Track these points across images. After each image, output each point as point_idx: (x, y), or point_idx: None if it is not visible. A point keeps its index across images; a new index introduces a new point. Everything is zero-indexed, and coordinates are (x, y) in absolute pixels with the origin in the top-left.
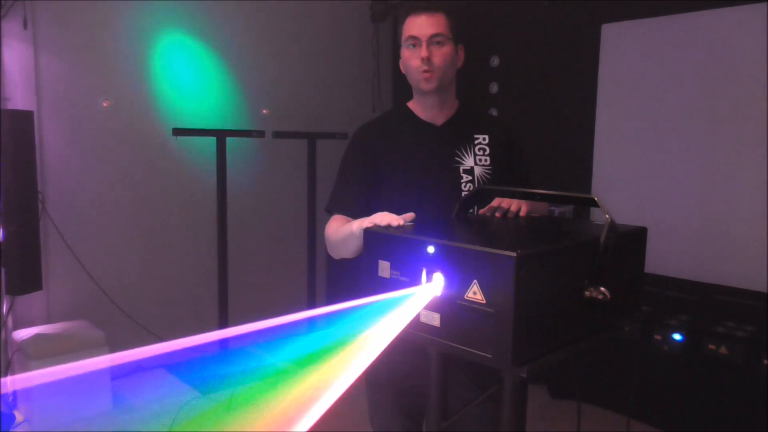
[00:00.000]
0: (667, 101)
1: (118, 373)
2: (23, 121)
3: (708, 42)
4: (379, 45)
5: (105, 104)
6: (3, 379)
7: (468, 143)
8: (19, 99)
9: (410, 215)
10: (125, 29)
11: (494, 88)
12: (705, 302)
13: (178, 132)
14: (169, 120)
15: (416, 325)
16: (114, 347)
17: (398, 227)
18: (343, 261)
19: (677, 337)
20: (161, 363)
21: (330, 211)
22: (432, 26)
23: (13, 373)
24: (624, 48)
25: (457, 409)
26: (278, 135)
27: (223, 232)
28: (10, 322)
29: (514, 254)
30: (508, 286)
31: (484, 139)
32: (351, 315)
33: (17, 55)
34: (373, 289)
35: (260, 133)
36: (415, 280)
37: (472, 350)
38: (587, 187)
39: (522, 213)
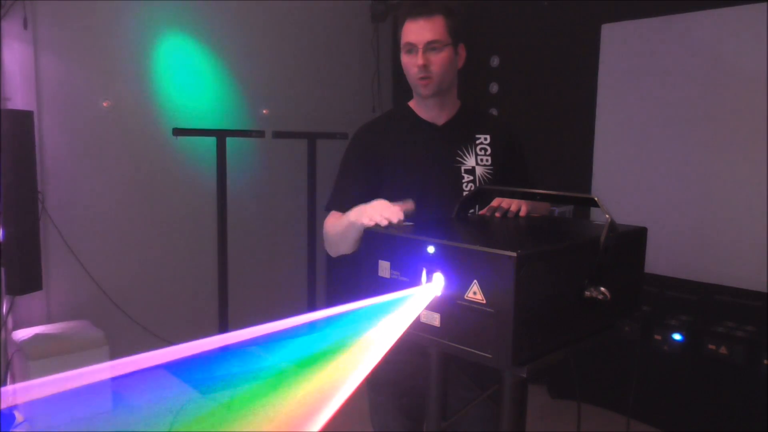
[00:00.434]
0: (667, 101)
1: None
2: (23, 121)
3: (708, 42)
4: (379, 45)
5: (105, 104)
6: (4, 388)
7: (469, 143)
8: (19, 99)
9: (409, 205)
10: (125, 29)
11: (494, 88)
12: (705, 302)
13: (178, 132)
14: (169, 120)
15: (416, 325)
16: (114, 347)
17: (399, 226)
18: (343, 261)
19: (677, 337)
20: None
21: (329, 209)
22: (429, 32)
23: (13, 373)
24: (624, 48)
25: (457, 409)
26: (278, 135)
27: (223, 232)
28: (10, 322)
29: (514, 254)
30: (508, 286)
31: (485, 139)
32: (351, 315)
33: (17, 55)
34: (373, 289)
35: (260, 133)
36: (415, 280)
37: (472, 350)
38: (587, 187)
39: (522, 213)
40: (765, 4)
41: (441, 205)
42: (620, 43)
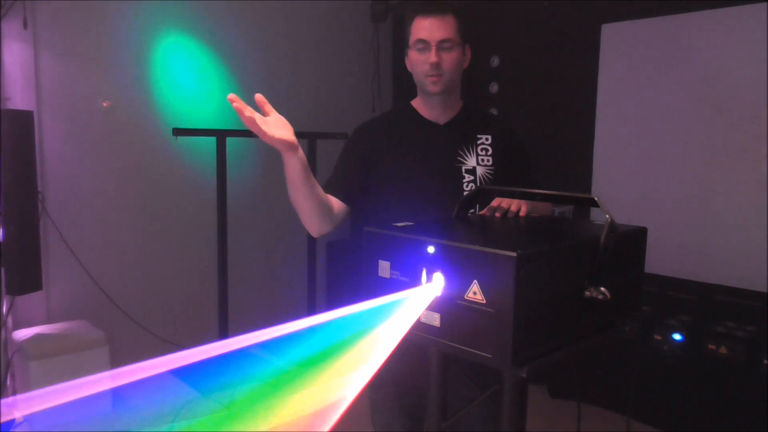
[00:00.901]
0: (667, 101)
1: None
2: (23, 121)
3: (708, 42)
4: (379, 45)
5: (105, 104)
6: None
7: (471, 143)
8: (19, 99)
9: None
10: (125, 29)
11: (494, 88)
12: (705, 302)
13: (178, 132)
14: (169, 120)
15: (416, 325)
16: (114, 347)
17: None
18: (343, 260)
19: (677, 337)
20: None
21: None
22: (441, 30)
23: (13, 373)
24: (624, 48)
25: (457, 409)
26: None
27: (223, 232)
28: (10, 322)
29: (514, 254)
30: (509, 286)
31: (486, 139)
32: (352, 316)
33: (17, 55)
34: (372, 289)
35: None
36: (415, 280)
37: (472, 350)
38: (587, 187)
39: (522, 213)
40: (765, 4)
41: (441, 205)
42: (620, 43)
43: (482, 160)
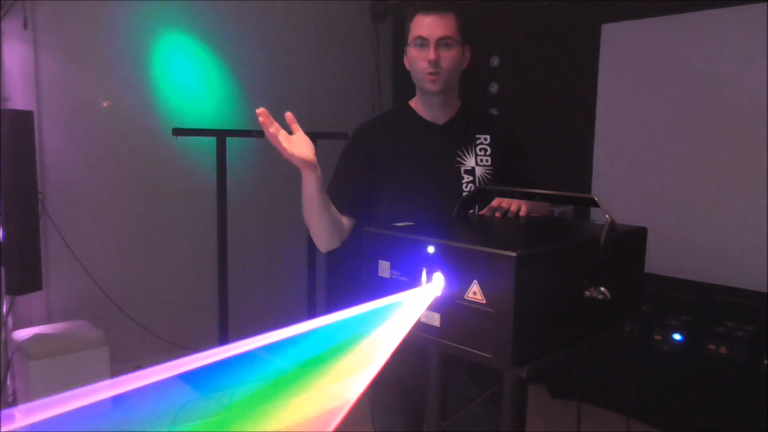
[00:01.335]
0: (667, 101)
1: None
2: (23, 121)
3: (708, 42)
4: (379, 45)
5: (105, 104)
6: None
7: (469, 143)
8: (19, 99)
9: None
10: (125, 29)
11: (494, 88)
12: (705, 302)
13: (178, 132)
14: (169, 120)
15: (416, 325)
16: (114, 347)
17: (399, 226)
18: (343, 260)
19: (677, 337)
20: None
21: None
22: (441, 28)
23: (13, 373)
24: (624, 48)
25: (457, 409)
26: None
27: (223, 232)
28: (10, 322)
29: (514, 254)
30: (509, 286)
31: (485, 139)
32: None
33: (17, 55)
34: (372, 289)
35: (260, 133)
36: (415, 280)
37: (472, 350)
38: (587, 187)
39: (522, 213)
40: (765, 4)
41: (441, 205)
42: (620, 43)
43: (481, 161)
